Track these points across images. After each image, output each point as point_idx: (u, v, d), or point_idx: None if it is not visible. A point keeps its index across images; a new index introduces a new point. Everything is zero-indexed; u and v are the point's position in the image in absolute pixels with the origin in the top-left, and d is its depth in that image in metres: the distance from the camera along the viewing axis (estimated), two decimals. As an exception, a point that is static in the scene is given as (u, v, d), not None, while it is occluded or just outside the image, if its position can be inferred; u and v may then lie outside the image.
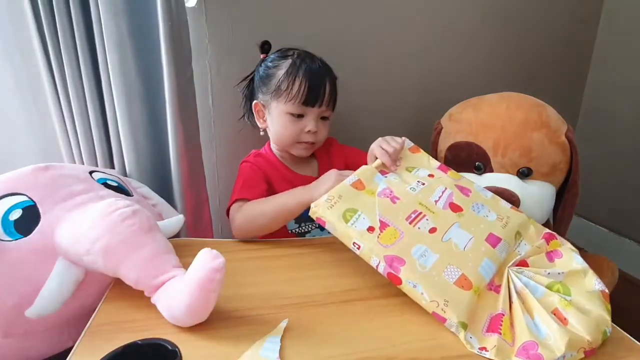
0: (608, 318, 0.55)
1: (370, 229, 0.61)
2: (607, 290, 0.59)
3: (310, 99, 0.83)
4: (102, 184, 0.75)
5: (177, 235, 0.78)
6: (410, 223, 0.63)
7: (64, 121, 0.87)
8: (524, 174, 0.93)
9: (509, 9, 1.23)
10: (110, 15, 0.79)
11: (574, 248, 0.65)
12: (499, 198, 0.73)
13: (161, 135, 0.91)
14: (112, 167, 0.92)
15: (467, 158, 0.98)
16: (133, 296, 0.59)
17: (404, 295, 0.59)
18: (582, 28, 1.35)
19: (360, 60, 1.13)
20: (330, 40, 1.06)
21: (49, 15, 0.79)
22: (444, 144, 1.03)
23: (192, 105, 0.91)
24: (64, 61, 0.82)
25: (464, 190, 0.71)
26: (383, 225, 0.62)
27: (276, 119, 0.88)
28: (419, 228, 0.62)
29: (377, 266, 0.59)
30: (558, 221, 1.02)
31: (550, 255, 0.64)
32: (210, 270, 0.52)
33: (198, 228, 0.98)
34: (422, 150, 0.79)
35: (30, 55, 0.84)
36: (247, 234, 0.81)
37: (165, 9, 0.79)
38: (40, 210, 0.64)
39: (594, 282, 0.59)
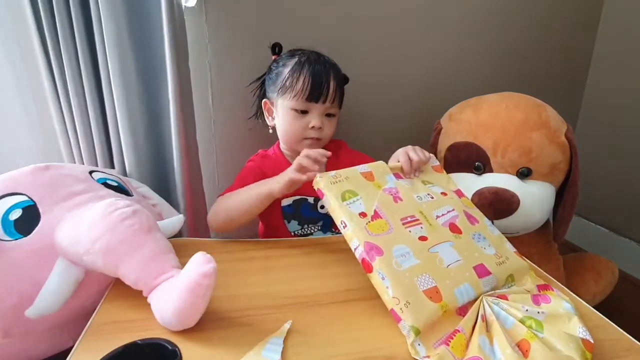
0: None
1: (363, 215, 0.62)
2: (591, 341, 0.52)
3: (314, 94, 0.84)
4: (102, 183, 0.75)
5: (177, 235, 0.78)
6: (403, 224, 0.63)
7: (64, 121, 0.87)
8: (524, 174, 0.93)
9: (509, 10, 1.23)
10: (110, 15, 0.79)
11: (566, 298, 0.60)
12: (506, 240, 0.70)
13: (161, 135, 0.91)
14: (112, 167, 0.92)
15: (466, 158, 0.98)
16: (133, 296, 0.58)
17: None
18: (582, 29, 1.36)
19: (360, 61, 1.13)
20: (330, 39, 1.06)
21: (49, 15, 0.79)
22: (443, 144, 1.03)
23: (190, 104, 0.92)
24: (64, 61, 0.82)
25: (470, 218, 0.70)
26: (376, 215, 0.62)
27: (282, 116, 0.89)
28: (410, 231, 0.62)
29: (355, 249, 0.60)
30: (558, 221, 1.02)
31: (537, 298, 0.59)
32: (199, 275, 0.51)
33: (198, 228, 0.98)
34: (445, 172, 0.80)
35: (30, 55, 0.84)
36: (217, 226, 0.81)
37: (168, 9, 0.80)
38: (40, 210, 0.64)
39: (577, 329, 0.53)
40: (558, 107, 1.00)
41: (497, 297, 0.58)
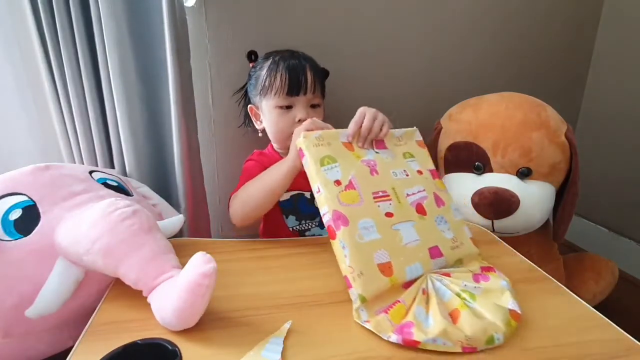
0: (503, 328, 0.53)
1: (337, 183, 0.63)
2: (519, 312, 0.57)
3: (294, 87, 0.85)
4: (102, 183, 0.75)
5: (177, 235, 0.78)
6: (374, 198, 0.65)
7: (64, 121, 0.87)
8: (524, 174, 0.93)
9: (509, 9, 1.23)
10: (110, 15, 0.79)
11: (506, 278, 0.64)
12: (465, 225, 0.73)
13: (161, 135, 0.91)
14: (112, 167, 0.92)
15: (466, 158, 0.98)
16: (133, 296, 0.58)
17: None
18: (582, 28, 1.36)
19: (360, 61, 1.13)
20: (330, 39, 1.06)
21: (49, 15, 0.79)
22: (443, 144, 1.03)
23: (192, 103, 0.92)
24: (64, 61, 0.82)
25: (438, 201, 0.71)
26: (350, 185, 0.64)
27: (268, 116, 0.89)
28: (378, 206, 0.64)
29: (324, 214, 0.61)
30: (558, 221, 1.03)
31: (477, 277, 0.63)
32: (199, 275, 0.51)
33: (198, 228, 0.98)
34: (426, 148, 0.80)
35: (30, 55, 0.84)
36: (242, 218, 0.81)
37: (169, 8, 0.80)
38: (40, 210, 0.64)
39: (508, 301, 0.58)
40: (558, 106, 1.01)
41: (441, 274, 0.62)
